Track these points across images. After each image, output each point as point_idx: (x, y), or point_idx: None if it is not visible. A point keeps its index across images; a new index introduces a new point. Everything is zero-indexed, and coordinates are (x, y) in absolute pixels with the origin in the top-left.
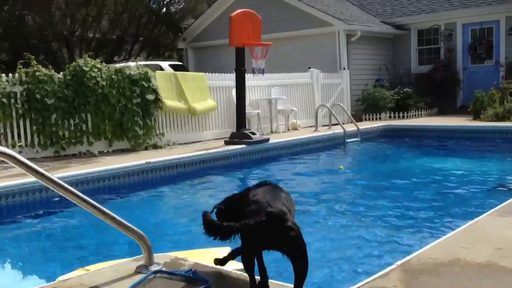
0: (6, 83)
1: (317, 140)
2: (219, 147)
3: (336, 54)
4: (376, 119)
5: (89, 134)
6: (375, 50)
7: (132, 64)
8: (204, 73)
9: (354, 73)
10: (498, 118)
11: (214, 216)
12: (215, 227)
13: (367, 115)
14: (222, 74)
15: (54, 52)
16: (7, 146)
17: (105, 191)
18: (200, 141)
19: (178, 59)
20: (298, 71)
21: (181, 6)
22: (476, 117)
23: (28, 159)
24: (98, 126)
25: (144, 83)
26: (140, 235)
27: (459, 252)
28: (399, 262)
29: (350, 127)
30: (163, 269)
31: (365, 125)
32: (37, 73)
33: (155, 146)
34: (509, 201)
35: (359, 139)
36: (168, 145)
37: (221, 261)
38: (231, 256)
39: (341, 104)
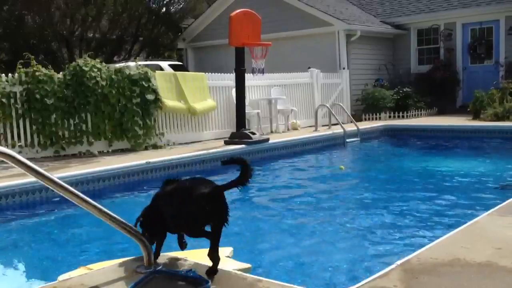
0: (6, 83)
1: (317, 140)
2: (219, 147)
3: (336, 54)
4: (376, 119)
5: (89, 134)
6: (375, 50)
7: (132, 64)
8: (204, 73)
9: (354, 73)
10: (498, 117)
11: (139, 229)
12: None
13: (367, 115)
14: (222, 74)
15: (54, 52)
16: (7, 146)
17: (105, 191)
18: (200, 141)
19: (178, 59)
20: (298, 71)
21: (181, 6)
22: (476, 117)
23: (28, 159)
24: (98, 126)
25: (144, 83)
26: (140, 235)
27: (459, 252)
28: (399, 262)
29: (350, 127)
30: (163, 269)
31: (365, 125)
32: (37, 73)
33: (155, 146)
34: (509, 200)
35: (359, 139)
36: (168, 145)
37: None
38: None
39: (341, 104)
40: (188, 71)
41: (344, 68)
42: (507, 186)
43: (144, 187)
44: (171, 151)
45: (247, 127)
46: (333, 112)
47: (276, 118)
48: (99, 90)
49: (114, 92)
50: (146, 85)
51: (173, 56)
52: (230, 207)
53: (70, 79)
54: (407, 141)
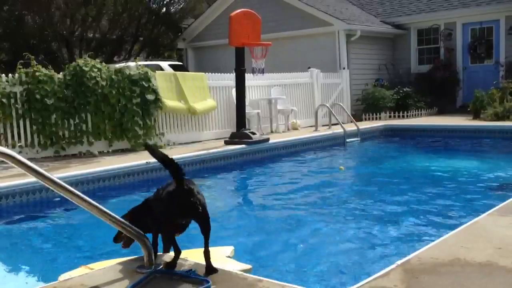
0: (6, 83)
1: (317, 140)
2: (219, 147)
3: (336, 53)
4: (376, 118)
5: (89, 134)
6: (375, 49)
7: (132, 64)
8: (204, 73)
9: (354, 73)
10: (498, 117)
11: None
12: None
13: (367, 114)
14: (222, 74)
15: (54, 52)
16: (7, 146)
17: (105, 191)
18: (200, 141)
19: (178, 59)
20: (298, 71)
21: (181, 6)
22: (476, 116)
23: (28, 159)
24: (98, 126)
25: (144, 83)
26: (140, 235)
27: (459, 252)
28: (399, 262)
29: (350, 127)
30: (163, 269)
31: (365, 125)
32: (37, 73)
33: (155, 146)
34: (509, 200)
35: (359, 138)
36: (168, 145)
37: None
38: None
39: (341, 104)
40: (188, 71)
41: (344, 68)
42: (508, 185)
43: (144, 187)
44: (171, 151)
45: (247, 127)
46: (333, 112)
47: (276, 118)
48: (99, 90)
49: (114, 92)
50: (146, 85)
51: (173, 56)
52: (229, 206)
53: (70, 79)
54: (407, 141)
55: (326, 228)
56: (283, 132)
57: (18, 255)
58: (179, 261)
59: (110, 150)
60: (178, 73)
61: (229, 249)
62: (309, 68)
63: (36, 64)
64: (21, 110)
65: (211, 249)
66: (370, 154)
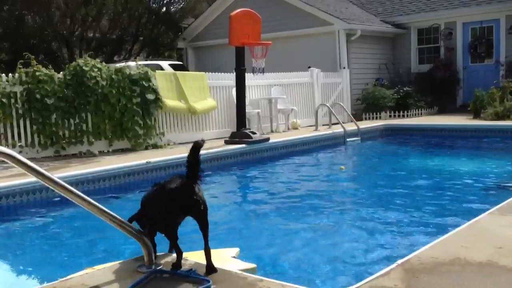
0: (6, 83)
1: (317, 140)
2: (219, 147)
3: (336, 53)
4: (376, 118)
5: (89, 134)
6: (375, 49)
7: (132, 63)
8: (204, 73)
9: (354, 72)
10: (498, 117)
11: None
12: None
13: (367, 114)
14: (222, 73)
15: (54, 52)
16: (7, 146)
17: (105, 191)
18: None
19: (178, 59)
20: (298, 71)
21: (181, 5)
22: (476, 116)
23: (28, 159)
24: (98, 126)
25: (144, 82)
26: (140, 235)
27: (459, 251)
28: (399, 261)
29: (350, 127)
30: (163, 269)
31: (365, 124)
32: (37, 73)
33: (155, 146)
34: (509, 200)
35: (359, 138)
36: (169, 144)
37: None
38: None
39: (341, 104)
40: (188, 70)
41: (344, 68)
42: (508, 185)
43: (145, 187)
44: (171, 151)
45: (247, 126)
46: (334, 112)
47: (277, 118)
48: (99, 90)
49: (114, 92)
50: (146, 85)
51: (173, 55)
52: (233, 206)
53: (70, 79)
54: (408, 141)
55: (326, 228)
56: (283, 131)
57: (18, 255)
58: None
59: (110, 150)
60: (178, 72)
61: (234, 250)
62: (309, 67)
63: (36, 64)
64: (21, 110)
65: (216, 250)
66: (370, 153)
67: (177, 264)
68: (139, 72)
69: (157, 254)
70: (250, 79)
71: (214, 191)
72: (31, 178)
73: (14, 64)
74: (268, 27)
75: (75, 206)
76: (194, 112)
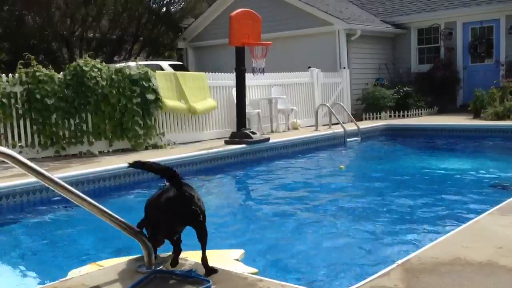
0: (6, 83)
1: (317, 140)
2: (219, 147)
3: (336, 53)
4: (376, 118)
5: (89, 134)
6: (375, 49)
7: (132, 64)
8: (204, 73)
9: (354, 72)
10: (498, 117)
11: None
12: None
13: (367, 114)
14: (222, 73)
15: (54, 52)
16: (8, 146)
17: (105, 191)
18: (200, 141)
19: (178, 59)
20: (298, 71)
21: (181, 5)
22: (476, 116)
23: (28, 159)
24: (98, 126)
25: (144, 83)
26: (140, 235)
27: (459, 251)
28: (399, 261)
29: (350, 127)
30: (163, 269)
31: (365, 124)
32: (37, 73)
33: (156, 146)
34: (509, 200)
35: (359, 138)
36: (169, 144)
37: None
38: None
39: (341, 104)
40: (188, 70)
41: (344, 68)
42: (508, 185)
43: (144, 187)
44: (171, 151)
45: (247, 126)
46: (334, 112)
47: (277, 118)
48: (100, 90)
49: (114, 92)
50: (146, 85)
51: (173, 56)
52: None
53: (71, 79)
54: (408, 141)
55: (325, 227)
56: (283, 131)
57: (18, 255)
58: (179, 261)
59: (110, 150)
60: (178, 72)
61: (238, 252)
62: (309, 67)
63: (36, 64)
64: (22, 110)
65: (221, 251)
66: (370, 153)
67: (174, 261)
68: (139, 72)
69: (157, 254)
70: (250, 79)
71: (214, 191)
72: (31, 178)
73: (14, 64)
74: (268, 27)
75: (75, 206)
76: (194, 112)
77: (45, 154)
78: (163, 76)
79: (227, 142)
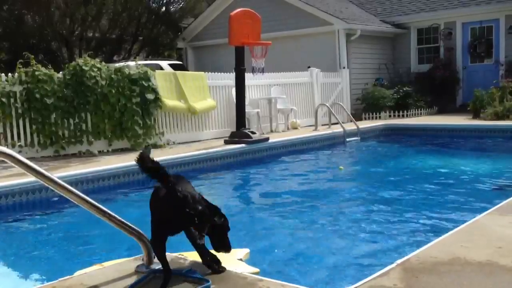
0: (6, 82)
1: (317, 139)
2: (219, 147)
3: (336, 53)
4: (376, 118)
5: (88, 133)
6: (375, 49)
7: (131, 63)
8: (203, 73)
9: (354, 72)
10: (498, 117)
11: None
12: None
13: (367, 114)
14: (222, 73)
15: (53, 51)
16: (7, 146)
17: (105, 191)
18: (199, 141)
19: (177, 59)
20: (298, 70)
21: (181, 5)
22: (476, 116)
23: (28, 158)
24: (97, 126)
25: (143, 82)
26: (140, 235)
27: (459, 251)
28: (399, 261)
29: (350, 126)
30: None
31: (365, 124)
32: (36, 73)
33: (155, 146)
34: (509, 199)
35: (359, 138)
36: (168, 144)
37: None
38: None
39: (341, 103)
40: (188, 70)
41: (344, 68)
42: (507, 185)
43: (144, 187)
44: (171, 151)
45: (247, 126)
46: (333, 112)
47: (276, 118)
48: (99, 90)
49: (114, 91)
50: (146, 85)
51: (173, 55)
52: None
53: (70, 79)
54: (407, 140)
55: (325, 227)
56: (283, 131)
57: (18, 255)
58: (179, 260)
59: (109, 150)
60: (177, 72)
61: (243, 252)
62: (309, 67)
63: (36, 64)
64: (21, 110)
65: (210, 251)
66: (370, 153)
67: (206, 262)
68: (139, 72)
69: None
70: (250, 79)
71: (214, 191)
72: (31, 178)
73: (13, 63)
74: (268, 27)
75: (74, 206)
76: (194, 112)
77: (44, 153)
78: (163, 75)
79: (226, 142)
